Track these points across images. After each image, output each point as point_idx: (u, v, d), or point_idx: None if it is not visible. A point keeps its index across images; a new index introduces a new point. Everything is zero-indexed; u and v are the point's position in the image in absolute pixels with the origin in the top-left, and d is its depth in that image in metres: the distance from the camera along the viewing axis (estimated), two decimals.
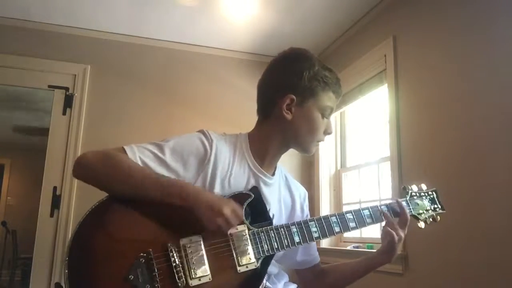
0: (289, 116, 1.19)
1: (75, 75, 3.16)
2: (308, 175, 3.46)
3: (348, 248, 2.79)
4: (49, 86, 3.13)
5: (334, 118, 3.38)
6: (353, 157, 3.26)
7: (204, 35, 3.32)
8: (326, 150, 3.34)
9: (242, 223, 1.09)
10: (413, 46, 2.47)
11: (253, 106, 1.29)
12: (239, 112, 3.13)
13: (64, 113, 3.11)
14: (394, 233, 1.21)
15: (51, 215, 2.96)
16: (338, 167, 3.34)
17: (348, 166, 3.28)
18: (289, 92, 1.19)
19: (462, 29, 2.13)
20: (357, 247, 2.79)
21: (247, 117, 1.31)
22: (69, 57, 3.17)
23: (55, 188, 2.99)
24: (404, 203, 1.29)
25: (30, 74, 3.12)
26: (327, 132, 1.25)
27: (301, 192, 1.37)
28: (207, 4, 2.86)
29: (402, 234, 1.23)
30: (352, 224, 1.21)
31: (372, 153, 2.96)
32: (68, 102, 3.11)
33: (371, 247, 2.66)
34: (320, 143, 1.27)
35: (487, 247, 1.85)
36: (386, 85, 2.66)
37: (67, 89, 3.13)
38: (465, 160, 2.01)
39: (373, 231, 2.81)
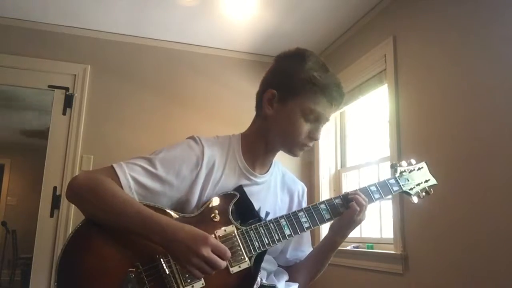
0: (269, 111, 1.18)
1: (75, 75, 3.16)
2: (308, 175, 3.45)
3: (348, 248, 2.79)
4: (49, 86, 3.14)
5: (334, 118, 3.38)
6: (353, 157, 3.26)
7: (204, 35, 3.32)
8: (326, 150, 3.31)
9: (230, 223, 1.08)
10: (413, 46, 2.47)
11: (253, 106, 1.29)
12: (239, 112, 3.12)
13: (64, 113, 3.11)
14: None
15: (51, 215, 2.97)
16: (338, 167, 3.34)
17: (348, 166, 3.28)
18: (272, 87, 1.18)
19: (462, 29, 2.13)
20: (357, 247, 2.78)
21: (247, 117, 1.31)
22: (69, 57, 3.17)
23: (55, 188, 2.99)
24: (393, 181, 1.28)
25: (30, 74, 3.12)
26: (312, 137, 1.19)
27: (299, 188, 1.35)
28: (207, 4, 2.86)
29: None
30: (342, 210, 1.18)
31: (372, 153, 2.95)
32: (68, 102, 3.12)
33: (371, 247, 2.66)
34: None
35: (487, 247, 1.85)
36: (386, 85, 2.67)
37: (67, 89, 3.14)
38: (465, 159, 2.01)
39: (373, 232, 2.81)
